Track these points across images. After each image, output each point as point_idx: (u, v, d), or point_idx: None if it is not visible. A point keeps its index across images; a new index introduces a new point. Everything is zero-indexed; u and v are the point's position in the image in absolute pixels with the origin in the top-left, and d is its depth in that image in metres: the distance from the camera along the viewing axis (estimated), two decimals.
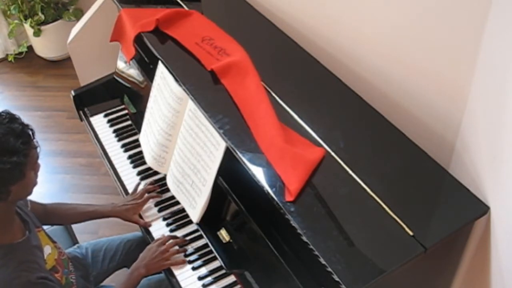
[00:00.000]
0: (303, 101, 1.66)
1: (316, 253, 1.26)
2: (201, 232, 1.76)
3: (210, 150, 1.64)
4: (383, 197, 1.37)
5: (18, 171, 1.41)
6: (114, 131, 2.22)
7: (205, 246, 1.75)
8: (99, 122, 2.27)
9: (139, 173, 2.03)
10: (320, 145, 1.51)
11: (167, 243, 1.73)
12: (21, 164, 1.41)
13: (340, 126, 1.59)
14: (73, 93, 2.32)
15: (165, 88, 1.86)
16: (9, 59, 3.85)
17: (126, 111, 2.29)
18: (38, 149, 1.50)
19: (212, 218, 1.72)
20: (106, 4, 2.68)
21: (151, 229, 1.84)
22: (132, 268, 1.70)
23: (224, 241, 1.69)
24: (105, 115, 2.28)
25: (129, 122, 2.24)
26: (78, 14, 3.56)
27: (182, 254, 1.73)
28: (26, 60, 3.87)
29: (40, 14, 3.50)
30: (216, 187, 1.65)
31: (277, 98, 1.66)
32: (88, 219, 1.90)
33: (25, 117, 1.53)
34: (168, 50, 1.87)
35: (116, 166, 2.08)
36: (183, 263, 1.72)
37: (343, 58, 1.84)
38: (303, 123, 1.58)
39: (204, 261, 1.72)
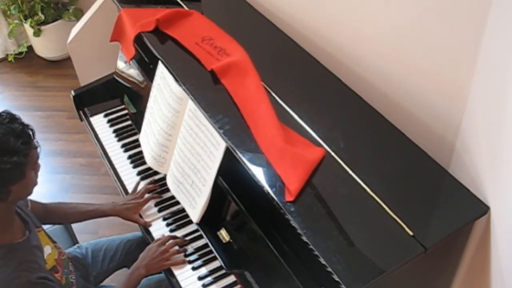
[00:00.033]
0: (303, 101, 1.66)
1: (316, 253, 1.26)
2: (201, 232, 1.76)
3: (210, 150, 1.64)
4: (383, 197, 1.37)
5: (18, 171, 1.41)
6: (114, 131, 2.22)
7: (205, 246, 1.75)
8: (99, 122, 2.27)
9: (139, 173, 2.03)
10: (320, 145, 1.51)
11: (167, 243, 1.73)
12: (21, 164, 1.41)
13: (340, 126, 1.59)
14: (73, 93, 2.32)
15: (165, 88, 1.86)
16: (9, 59, 3.85)
17: (126, 111, 2.29)
18: (38, 149, 1.50)
19: (212, 218, 1.72)
20: (106, 4, 2.68)
21: (151, 229, 1.84)
22: (132, 268, 1.70)
23: (224, 241, 1.69)
24: (105, 115, 2.28)
25: (129, 122, 2.24)
26: (78, 14, 3.56)
27: (182, 254, 1.74)
28: (26, 60, 3.86)
29: (40, 14, 3.50)
30: (216, 187, 1.65)
31: (277, 98, 1.66)
32: (89, 218, 1.90)
33: (25, 117, 1.53)
34: (168, 50, 1.87)
35: (116, 166, 2.08)
36: (183, 263, 1.72)
37: (343, 58, 1.84)
38: (303, 123, 1.58)
39: (204, 261, 1.72)
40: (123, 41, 2.07)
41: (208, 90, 1.70)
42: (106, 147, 2.15)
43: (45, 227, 1.72)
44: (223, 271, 1.67)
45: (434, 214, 1.36)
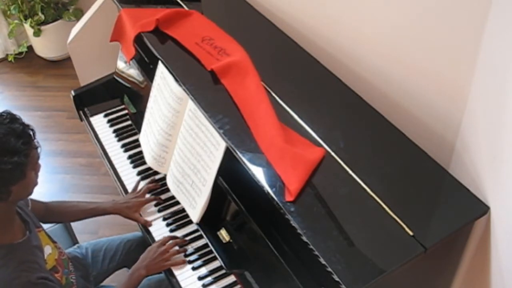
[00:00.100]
0: (303, 101, 1.66)
1: (316, 253, 1.26)
2: (201, 232, 1.76)
3: (210, 150, 1.64)
4: (383, 197, 1.37)
5: (19, 171, 1.41)
6: (114, 131, 2.22)
7: (205, 246, 1.75)
8: (99, 122, 2.27)
9: (139, 173, 2.03)
10: (320, 145, 1.51)
11: (167, 244, 1.73)
12: (22, 165, 1.41)
13: (340, 126, 1.59)
14: (73, 93, 2.32)
15: (165, 88, 1.86)
16: (9, 59, 3.85)
17: (126, 111, 2.29)
18: (39, 150, 1.50)
19: (212, 218, 1.72)
20: (106, 4, 2.68)
21: (151, 229, 1.84)
22: (133, 269, 1.70)
23: (224, 241, 1.69)
24: (105, 115, 2.28)
25: (129, 122, 2.24)
26: (78, 14, 3.56)
27: (182, 254, 1.74)
28: (26, 60, 3.86)
29: (40, 14, 3.50)
30: (216, 187, 1.65)
31: (277, 98, 1.66)
32: (90, 216, 1.90)
33: (25, 117, 1.53)
34: (168, 50, 1.87)
35: (116, 166, 2.08)
36: (183, 263, 1.72)
37: (343, 58, 1.84)
38: (303, 123, 1.58)
39: (204, 261, 1.72)
40: (123, 41, 2.07)
41: (208, 90, 1.70)
42: (106, 147, 2.15)
43: (45, 227, 1.72)
44: (223, 271, 1.68)
45: (434, 214, 1.36)
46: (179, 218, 1.85)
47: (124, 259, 1.97)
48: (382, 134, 1.57)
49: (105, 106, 2.31)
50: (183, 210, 1.81)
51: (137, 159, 2.08)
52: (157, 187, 1.94)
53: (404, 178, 1.45)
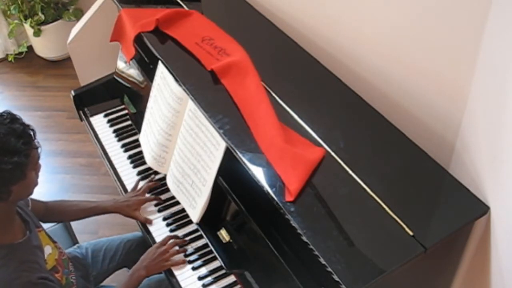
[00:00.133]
0: (303, 101, 1.66)
1: (316, 253, 1.26)
2: (201, 232, 1.76)
3: (210, 150, 1.64)
4: (383, 197, 1.37)
5: (19, 172, 1.41)
6: (114, 131, 2.22)
7: (205, 246, 1.75)
8: (99, 122, 2.27)
9: (139, 173, 2.03)
10: (320, 145, 1.51)
11: (167, 244, 1.73)
12: (22, 165, 1.41)
13: (340, 126, 1.59)
14: (73, 93, 2.32)
15: (165, 88, 1.86)
16: (9, 59, 3.85)
17: (126, 111, 2.29)
18: (39, 150, 1.50)
19: (212, 218, 1.72)
20: (106, 4, 2.68)
21: (151, 229, 1.84)
22: (133, 270, 1.70)
23: (224, 241, 1.70)
24: (105, 115, 2.28)
25: (129, 122, 2.24)
26: (78, 14, 3.56)
27: (182, 254, 1.74)
28: (26, 60, 3.86)
29: (40, 14, 3.50)
30: (216, 187, 1.65)
31: (277, 98, 1.66)
32: (90, 215, 1.90)
33: (25, 117, 1.53)
34: (168, 50, 1.87)
35: (116, 166, 2.08)
36: (183, 263, 1.72)
37: (343, 58, 1.84)
38: (303, 123, 1.58)
39: (204, 261, 1.72)
40: (123, 41, 2.07)
41: (208, 90, 1.70)
42: (106, 147, 2.15)
43: (45, 227, 1.72)
44: (223, 271, 1.68)
45: (434, 214, 1.36)
46: (179, 218, 1.85)
47: (124, 259, 1.97)
48: (382, 134, 1.57)
49: (105, 106, 2.31)
50: (183, 210, 1.81)
51: (137, 159, 2.08)
52: (157, 185, 1.94)
53: (404, 178, 1.46)
